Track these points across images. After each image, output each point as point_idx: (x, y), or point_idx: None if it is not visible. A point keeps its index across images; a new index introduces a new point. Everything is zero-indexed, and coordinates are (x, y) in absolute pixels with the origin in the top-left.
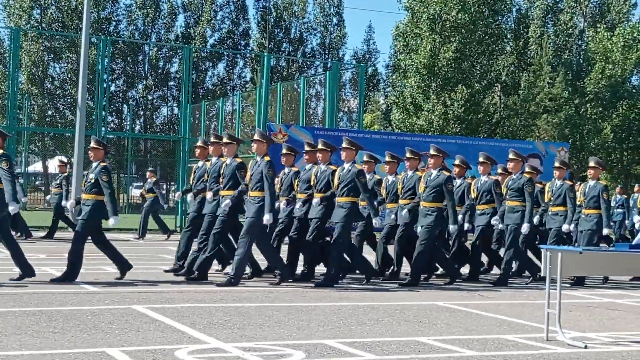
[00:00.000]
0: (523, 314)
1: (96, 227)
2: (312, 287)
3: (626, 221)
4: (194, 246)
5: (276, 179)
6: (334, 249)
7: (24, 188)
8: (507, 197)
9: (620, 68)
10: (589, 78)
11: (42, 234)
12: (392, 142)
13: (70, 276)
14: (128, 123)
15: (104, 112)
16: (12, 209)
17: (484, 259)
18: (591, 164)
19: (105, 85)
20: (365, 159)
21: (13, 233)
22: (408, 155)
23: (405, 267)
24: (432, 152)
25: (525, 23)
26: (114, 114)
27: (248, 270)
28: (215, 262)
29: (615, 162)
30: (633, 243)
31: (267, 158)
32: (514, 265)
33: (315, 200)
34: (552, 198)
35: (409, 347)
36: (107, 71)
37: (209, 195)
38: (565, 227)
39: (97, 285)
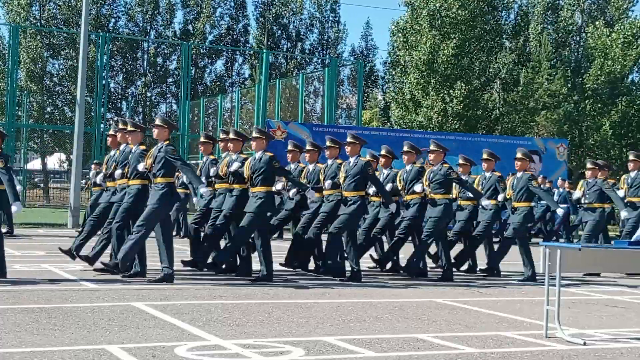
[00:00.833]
0: (522, 311)
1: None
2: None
3: (572, 216)
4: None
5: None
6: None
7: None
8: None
9: (620, 64)
10: (588, 74)
11: (42, 230)
12: (391, 138)
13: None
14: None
15: (103, 109)
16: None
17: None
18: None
19: (104, 82)
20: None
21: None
22: (405, 149)
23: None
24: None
25: (525, 20)
26: (112, 110)
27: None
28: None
29: (614, 158)
30: (632, 239)
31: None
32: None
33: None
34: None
35: (408, 344)
36: (106, 68)
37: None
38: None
39: (96, 283)
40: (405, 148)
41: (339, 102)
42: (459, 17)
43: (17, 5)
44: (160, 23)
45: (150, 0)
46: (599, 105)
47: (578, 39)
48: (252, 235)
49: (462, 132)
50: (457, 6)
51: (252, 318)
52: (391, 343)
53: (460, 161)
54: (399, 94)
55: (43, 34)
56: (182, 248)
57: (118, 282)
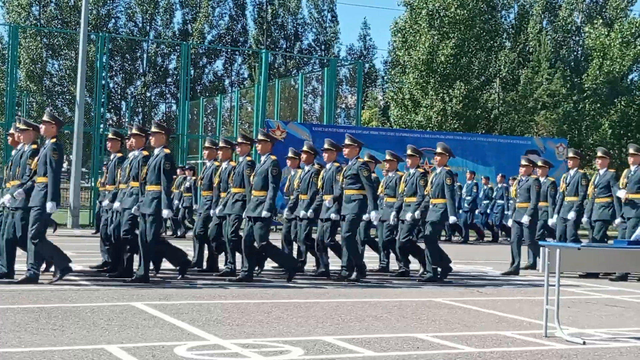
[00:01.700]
0: (521, 310)
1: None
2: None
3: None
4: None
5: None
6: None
7: None
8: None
9: (619, 64)
10: (587, 74)
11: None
12: (390, 138)
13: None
14: (126, 120)
15: (102, 109)
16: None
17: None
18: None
19: (103, 82)
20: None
21: None
22: (409, 152)
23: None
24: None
25: (525, 19)
26: (112, 110)
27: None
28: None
29: (613, 158)
30: (632, 239)
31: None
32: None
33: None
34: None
35: (407, 343)
36: (106, 68)
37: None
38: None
39: (96, 282)
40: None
41: (338, 102)
42: (457, 17)
43: (17, 6)
44: (159, 23)
45: (150, 1)
46: (598, 105)
47: (577, 38)
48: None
49: (461, 131)
50: (456, 6)
51: (251, 318)
52: (390, 342)
53: (387, 157)
54: (398, 94)
55: (43, 34)
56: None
57: (117, 282)
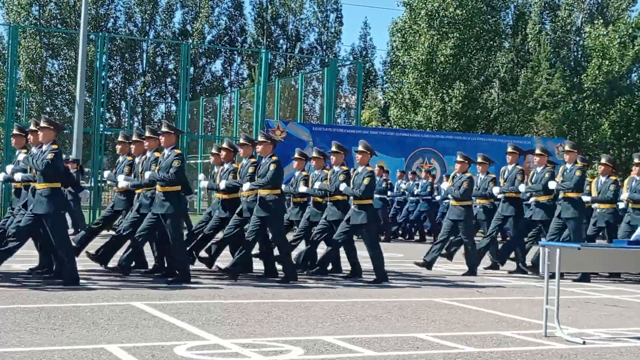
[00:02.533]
0: (521, 310)
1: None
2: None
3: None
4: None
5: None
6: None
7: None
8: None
9: (618, 64)
10: (586, 74)
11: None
12: (390, 138)
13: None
14: (126, 120)
15: (102, 109)
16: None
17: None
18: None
19: (103, 82)
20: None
21: None
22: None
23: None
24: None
25: (524, 19)
26: (112, 110)
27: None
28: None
29: (613, 158)
30: (632, 239)
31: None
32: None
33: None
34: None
35: (407, 343)
36: (105, 68)
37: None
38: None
39: (96, 282)
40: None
41: (338, 102)
42: (457, 17)
43: (16, 5)
44: (158, 23)
45: (149, 0)
46: (598, 105)
47: (577, 38)
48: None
49: (461, 131)
50: (455, 6)
51: (251, 317)
52: (390, 342)
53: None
54: (398, 94)
55: (42, 34)
56: None
57: (117, 281)
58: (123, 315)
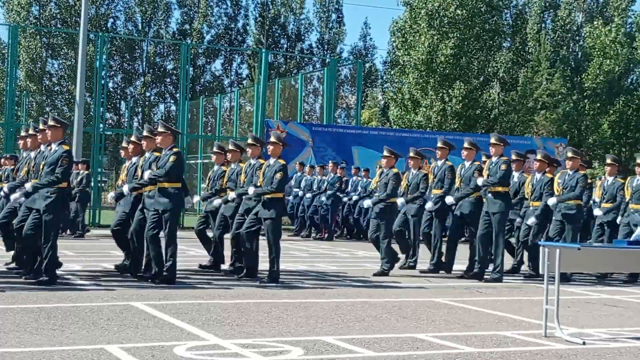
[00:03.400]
0: (521, 311)
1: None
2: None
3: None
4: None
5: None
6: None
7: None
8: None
9: (616, 65)
10: (586, 74)
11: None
12: (390, 138)
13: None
14: (126, 120)
15: (102, 109)
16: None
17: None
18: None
19: (103, 82)
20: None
21: None
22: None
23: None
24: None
25: (523, 19)
26: (111, 110)
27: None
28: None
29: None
30: (631, 239)
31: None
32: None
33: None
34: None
35: (407, 343)
36: (105, 68)
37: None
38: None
39: (95, 282)
40: (411, 154)
41: (338, 102)
42: (457, 17)
43: (16, 5)
44: (158, 23)
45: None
46: (598, 104)
47: (577, 38)
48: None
49: (461, 131)
50: (456, 6)
51: (251, 318)
52: (390, 343)
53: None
54: (398, 94)
55: (42, 33)
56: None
57: (117, 281)
58: (123, 316)
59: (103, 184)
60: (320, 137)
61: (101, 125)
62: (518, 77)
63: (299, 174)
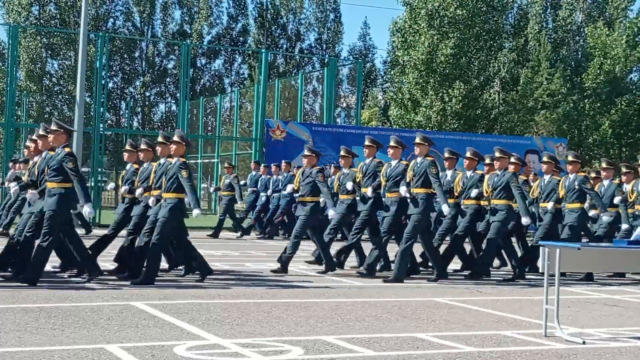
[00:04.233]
0: (521, 310)
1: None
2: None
3: None
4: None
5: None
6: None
7: None
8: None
9: (619, 65)
10: (587, 74)
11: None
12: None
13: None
14: (126, 120)
15: (102, 109)
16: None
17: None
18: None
19: (103, 82)
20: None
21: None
22: (447, 155)
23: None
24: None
25: (525, 19)
26: (111, 110)
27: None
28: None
29: (613, 157)
30: (632, 239)
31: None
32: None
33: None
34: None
35: (407, 343)
36: (105, 68)
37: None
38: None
39: (96, 282)
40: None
41: (338, 102)
42: (457, 17)
43: (17, 5)
44: (158, 23)
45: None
46: (598, 104)
47: (577, 38)
48: None
49: (461, 131)
50: (456, 5)
51: (251, 317)
52: (390, 342)
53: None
54: (398, 94)
55: (42, 34)
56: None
57: (117, 281)
58: (123, 315)
59: (103, 184)
60: (321, 137)
61: (101, 125)
62: (518, 77)
63: (253, 172)
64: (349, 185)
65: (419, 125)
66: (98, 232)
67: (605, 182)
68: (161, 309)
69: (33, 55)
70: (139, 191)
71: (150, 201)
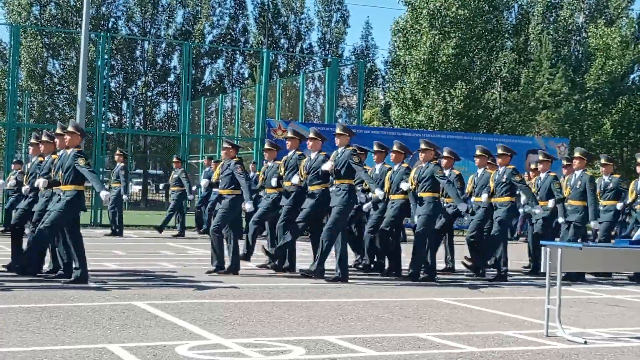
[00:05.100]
0: (523, 310)
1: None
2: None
3: None
4: None
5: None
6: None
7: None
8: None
9: (619, 64)
10: (588, 74)
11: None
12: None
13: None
14: (127, 119)
15: (103, 109)
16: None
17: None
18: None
19: (104, 82)
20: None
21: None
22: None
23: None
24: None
25: (526, 19)
26: (113, 110)
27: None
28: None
29: (615, 157)
30: (633, 239)
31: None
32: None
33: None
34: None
35: (409, 343)
36: (107, 67)
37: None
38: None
39: (97, 282)
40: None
41: (340, 102)
42: (459, 17)
43: (18, 5)
44: (159, 23)
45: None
46: (600, 104)
47: (578, 38)
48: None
49: (462, 131)
50: (457, 5)
51: (252, 317)
52: (392, 342)
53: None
54: (400, 94)
55: (43, 34)
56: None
57: (119, 281)
58: (125, 315)
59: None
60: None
61: (103, 125)
62: (520, 76)
63: (207, 168)
64: (274, 182)
65: (420, 126)
66: (99, 231)
67: (542, 175)
68: (163, 309)
69: (34, 55)
70: (38, 182)
71: (39, 184)
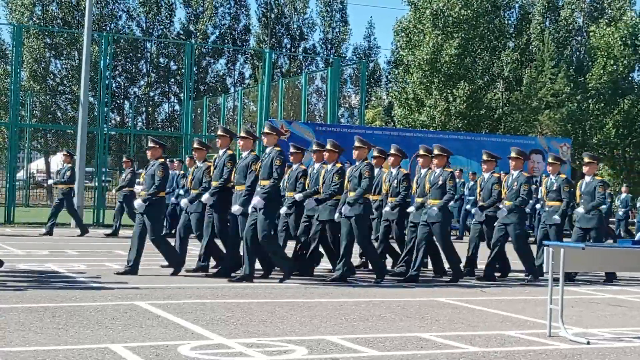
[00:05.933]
0: (525, 310)
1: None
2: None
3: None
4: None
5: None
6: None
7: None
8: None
9: (621, 64)
10: (590, 74)
11: (43, 230)
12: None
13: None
14: (130, 119)
15: (105, 109)
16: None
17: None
18: (586, 159)
19: (107, 82)
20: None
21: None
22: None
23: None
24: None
25: (527, 19)
26: (115, 110)
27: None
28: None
29: (617, 157)
30: (636, 238)
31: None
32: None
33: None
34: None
35: (411, 343)
36: (109, 68)
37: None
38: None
39: (100, 282)
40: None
41: (342, 102)
42: (462, 17)
43: (20, 6)
44: (162, 23)
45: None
46: (602, 104)
47: (580, 38)
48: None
49: (465, 131)
50: (460, 6)
51: (255, 317)
52: (394, 342)
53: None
54: (402, 94)
55: (46, 34)
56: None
57: (121, 281)
58: (127, 315)
59: (107, 184)
60: (324, 137)
61: (105, 125)
62: (522, 77)
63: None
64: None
65: (423, 126)
66: (100, 231)
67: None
68: (165, 309)
69: (37, 56)
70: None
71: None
